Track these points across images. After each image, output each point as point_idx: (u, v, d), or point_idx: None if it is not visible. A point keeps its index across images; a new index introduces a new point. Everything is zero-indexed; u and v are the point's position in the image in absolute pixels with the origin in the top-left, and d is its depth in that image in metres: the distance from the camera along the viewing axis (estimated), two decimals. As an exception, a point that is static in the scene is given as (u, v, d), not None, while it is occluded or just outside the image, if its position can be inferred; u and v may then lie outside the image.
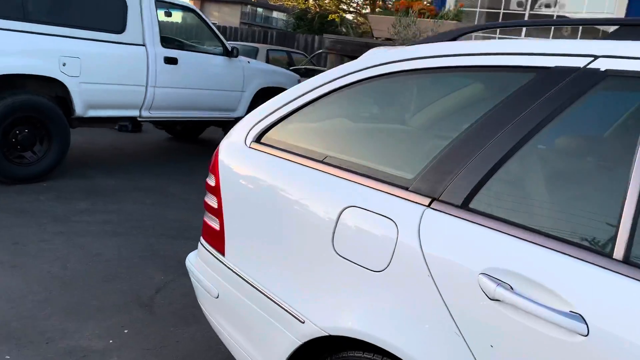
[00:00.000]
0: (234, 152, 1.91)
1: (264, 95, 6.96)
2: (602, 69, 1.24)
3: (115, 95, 5.23)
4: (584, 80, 1.25)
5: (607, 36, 1.36)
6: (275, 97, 1.92)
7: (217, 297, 1.90)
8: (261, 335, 1.71)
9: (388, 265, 1.38)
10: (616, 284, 1.04)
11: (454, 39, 1.65)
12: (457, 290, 1.24)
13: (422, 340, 1.29)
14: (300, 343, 1.56)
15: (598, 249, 1.10)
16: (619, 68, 1.21)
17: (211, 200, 1.95)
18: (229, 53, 6.36)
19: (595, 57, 1.27)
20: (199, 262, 2.03)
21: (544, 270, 1.13)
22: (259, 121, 1.89)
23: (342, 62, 9.47)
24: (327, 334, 1.48)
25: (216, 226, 1.91)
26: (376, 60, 1.68)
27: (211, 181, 1.95)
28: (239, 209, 1.82)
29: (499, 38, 6.54)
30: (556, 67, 1.31)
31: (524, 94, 1.32)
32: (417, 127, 1.66)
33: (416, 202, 1.38)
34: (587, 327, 1.04)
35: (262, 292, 1.69)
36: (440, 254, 1.29)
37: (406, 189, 1.42)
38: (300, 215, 1.60)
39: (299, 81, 7.62)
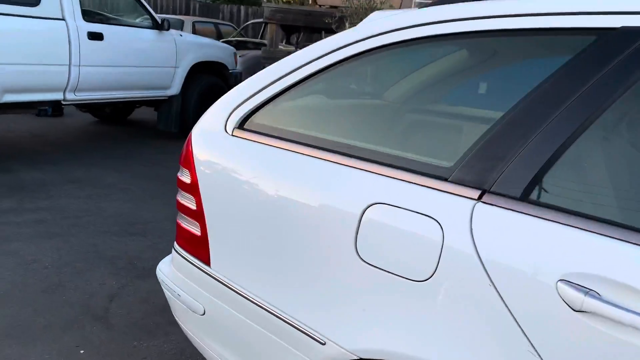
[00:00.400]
0: (212, 142, 1.60)
1: (199, 70, 6.50)
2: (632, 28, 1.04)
3: (35, 77, 4.65)
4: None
5: None
6: (258, 74, 1.62)
7: (203, 315, 1.61)
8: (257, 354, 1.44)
9: (434, 273, 1.14)
10: None
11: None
12: (530, 302, 1.03)
13: (486, 361, 1.07)
14: (312, 365, 1.31)
15: None
16: None
17: (187, 201, 1.63)
18: (159, 26, 5.84)
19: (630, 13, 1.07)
20: (175, 273, 1.72)
21: (638, 272, 0.93)
22: (241, 103, 1.58)
23: (286, 33, 9.07)
24: (356, 358, 1.24)
25: (196, 231, 1.61)
26: (384, 26, 1.41)
27: (185, 177, 1.64)
28: (226, 210, 1.52)
29: None
30: (624, 27, 1.10)
31: (586, 62, 1.11)
32: (446, 104, 1.42)
33: (462, 196, 1.14)
34: None
35: (266, 309, 1.42)
36: (503, 259, 1.06)
37: (445, 179, 1.18)
38: (310, 216, 1.34)
39: (235, 54, 7.20)
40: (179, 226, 1.70)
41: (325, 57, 1.47)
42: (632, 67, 1.05)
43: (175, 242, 1.73)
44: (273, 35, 5.72)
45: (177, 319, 1.77)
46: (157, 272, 1.82)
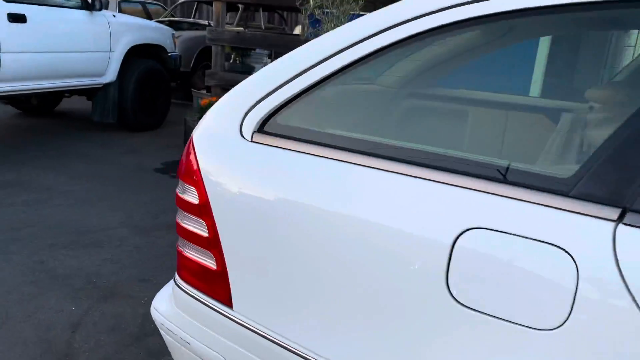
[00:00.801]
0: (225, 151, 1.26)
1: (135, 54, 5.94)
2: None
3: (-51, 67, 4.00)
4: None
5: None
6: (275, 63, 1.28)
7: (223, 365, 1.29)
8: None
9: (567, 319, 0.88)
10: None
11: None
12: None
13: None
14: None
15: None
16: None
17: (194, 225, 1.29)
18: (89, 6, 5.24)
19: None
20: (180, 315, 1.37)
21: None
22: (259, 101, 1.24)
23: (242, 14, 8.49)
24: None
25: (210, 263, 1.27)
26: (439, 3, 1.11)
27: (190, 196, 1.29)
28: (251, 237, 1.20)
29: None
30: None
31: None
32: (538, 95, 1.15)
33: (596, 216, 0.89)
34: None
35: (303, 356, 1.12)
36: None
37: (566, 194, 0.92)
38: (379, 246, 1.04)
39: (173, 36, 6.66)
40: (181, 256, 1.35)
41: (360, 44, 1.15)
42: None
43: (176, 275, 1.39)
44: (219, 14, 5.27)
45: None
46: (152, 313, 1.47)
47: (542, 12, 0.98)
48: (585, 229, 0.89)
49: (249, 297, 1.22)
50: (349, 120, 1.25)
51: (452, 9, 1.04)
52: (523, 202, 0.94)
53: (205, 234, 1.26)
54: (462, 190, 0.98)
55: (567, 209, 0.91)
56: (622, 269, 0.85)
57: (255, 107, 1.24)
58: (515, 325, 0.92)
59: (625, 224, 0.87)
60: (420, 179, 1.02)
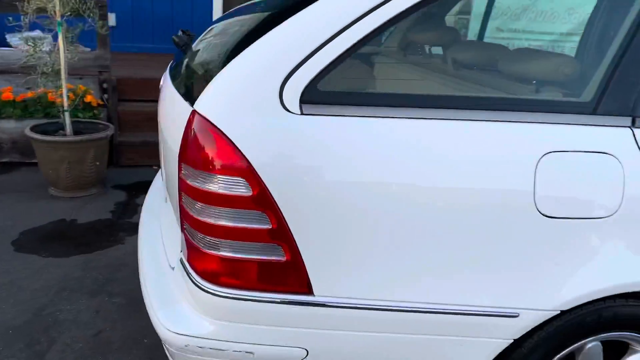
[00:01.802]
0: (275, 132, 1.11)
1: None
2: None
3: None
4: None
5: None
6: (302, 18, 1.16)
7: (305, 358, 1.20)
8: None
9: (621, 204, 1.20)
10: None
11: None
12: None
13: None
14: (511, 342, 1.22)
15: None
16: None
17: (246, 218, 1.12)
18: None
19: None
20: (231, 327, 1.19)
21: None
22: (299, 64, 1.12)
23: None
24: (557, 313, 1.21)
25: (277, 256, 1.14)
26: None
27: (243, 189, 1.10)
28: (325, 219, 1.13)
29: None
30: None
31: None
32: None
33: (617, 126, 1.21)
34: None
35: (424, 311, 1.18)
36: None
37: (590, 111, 1.21)
38: (467, 191, 1.15)
39: None
40: (220, 260, 1.16)
41: None
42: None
43: (214, 286, 1.18)
44: None
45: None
46: (175, 342, 1.21)
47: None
48: (618, 136, 1.20)
49: (330, 278, 1.16)
50: (402, 77, 1.26)
51: None
52: (573, 125, 1.19)
53: (268, 226, 1.12)
54: (524, 124, 1.16)
55: (596, 124, 1.20)
56: (646, 160, 1.19)
57: (296, 72, 1.12)
58: (586, 219, 1.18)
59: (637, 127, 1.21)
60: (489, 122, 1.15)
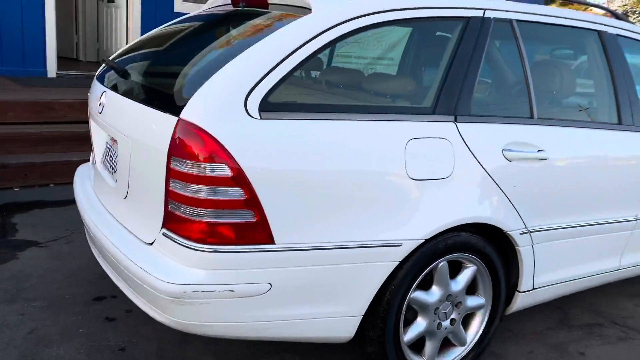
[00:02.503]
0: (245, 129, 1.61)
1: None
2: (489, 16, 2.15)
3: None
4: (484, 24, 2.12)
5: None
6: (261, 47, 1.68)
7: (268, 291, 1.71)
8: (342, 286, 1.81)
9: (454, 170, 1.93)
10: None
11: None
12: (490, 158, 2.00)
13: (483, 199, 2.00)
14: (397, 263, 1.87)
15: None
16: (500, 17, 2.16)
17: (227, 193, 1.60)
18: None
19: (486, 10, 2.15)
20: (217, 273, 1.64)
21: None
22: (255, 85, 1.64)
23: None
24: (423, 241, 1.89)
25: (248, 218, 1.64)
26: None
27: (220, 171, 1.58)
28: (284, 190, 1.66)
29: None
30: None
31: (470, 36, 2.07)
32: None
33: (445, 119, 1.94)
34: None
35: (349, 248, 1.77)
36: (474, 144, 1.97)
37: (430, 112, 1.93)
38: (371, 162, 1.78)
39: None
40: (210, 227, 1.61)
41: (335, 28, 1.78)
42: (488, 38, 2.09)
43: (197, 252, 1.62)
44: None
45: (224, 321, 1.69)
46: (180, 293, 1.61)
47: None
48: (447, 127, 1.93)
49: (286, 231, 1.69)
50: (318, 93, 1.82)
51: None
52: (423, 122, 1.89)
53: (244, 197, 1.62)
54: (397, 122, 1.84)
55: (436, 120, 1.92)
56: (467, 144, 1.95)
57: (255, 88, 1.64)
58: (437, 179, 1.89)
59: (459, 121, 1.96)
60: (380, 121, 1.80)
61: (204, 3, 6.93)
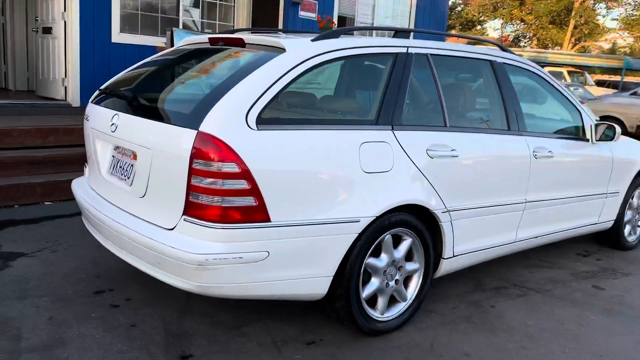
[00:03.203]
0: (247, 138, 2.20)
1: None
2: (411, 52, 2.89)
3: None
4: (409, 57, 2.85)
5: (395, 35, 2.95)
6: (254, 77, 2.29)
7: (267, 257, 2.29)
8: (318, 253, 2.42)
9: (393, 166, 2.62)
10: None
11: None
12: (418, 156, 2.72)
13: (414, 188, 2.70)
14: (356, 235, 2.51)
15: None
16: (417, 52, 2.91)
17: (236, 184, 2.18)
18: None
19: (409, 47, 2.89)
20: (229, 245, 2.20)
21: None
22: (252, 105, 2.25)
23: None
24: (374, 218, 2.54)
25: (251, 203, 2.22)
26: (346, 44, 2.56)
27: (229, 167, 2.16)
28: (277, 181, 2.26)
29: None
30: (401, 52, 2.83)
31: (396, 67, 2.78)
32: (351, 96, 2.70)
33: (385, 128, 2.64)
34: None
35: (323, 224, 2.39)
36: (406, 146, 2.68)
37: (374, 123, 2.62)
38: (336, 159, 2.42)
39: None
40: (223, 211, 2.18)
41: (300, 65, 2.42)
42: (411, 68, 2.82)
43: (215, 230, 2.18)
44: None
45: (237, 282, 2.24)
46: (204, 261, 2.15)
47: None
48: (387, 134, 2.63)
49: (279, 212, 2.28)
50: (297, 110, 2.42)
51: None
52: (370, 130, 2.57)
53: (248, 187, 2.20)
54: (353, 131, 2.50)
55: (380, 129, 2.61)
56: (402, 146, 2.65)
57: (252, 108, 2.25)
58: (382, 172, 2.57)
59: (396, 129, 2.66)
60: (341, 130, 2.46)
61: (139, 34, 7.35)
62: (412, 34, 3.59)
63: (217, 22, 8.55)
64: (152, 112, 2.50)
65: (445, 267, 3.02)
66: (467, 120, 3.21)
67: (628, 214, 4.45)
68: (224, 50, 2.87)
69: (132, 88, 2.84)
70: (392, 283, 2.77)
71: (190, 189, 2.23)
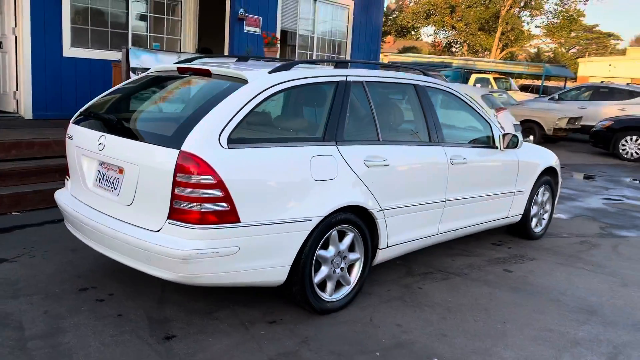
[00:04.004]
0: (221, 155, 2.73)
1: None
2: (350, 80, 3.51)
3: None
4: (347, 85, 3.47)
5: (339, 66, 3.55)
6: (224, 104, 2.83)
7: (238, 252, 2.82)
8: (278, 247, 2.98)
9: (337, 174, 3.22)
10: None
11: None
12: (357, 166, 3.34)
13: (354, 192, 3.31)
14: (309, 232, 3.08)
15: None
16: (356, 80, 3.53)
17: (212, 193, 2.71)
18: None
19: (347, 76, 3.50)
20: (208, 241, 2.72)
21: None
22: (223, 128, 2.78)
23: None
24: (324, 217, 3.13)
25: (224, 208, 2.75)
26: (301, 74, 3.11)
27: (206, 179, 2.68)
28: (245, 189, 2.80)
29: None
30: (341, 80, 3.44)
31: (338, 93, 3.39)
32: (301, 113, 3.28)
33: (330, 144, 3.24)
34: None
35: (282, 223, 2.95)
36: (347, 158, 3.29)
37: (321, 140, 3.22)
38: (292, 170, 3.00)
39: None
40: (200, 214, 2.70)
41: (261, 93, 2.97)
42: (350, 93, 3.44)
43: (196, 231, 2.70)
44: None
45: (214, 272, 2.76)
46: (187, 256, 2.66)
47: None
48: (332, 148, 3.23)
49: (247, 214, 2.82)
50: (267, 129, 2.96)
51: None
52: (318, 146, 3.16)
53: (222, 195, 2.74)
54: (305, 147, 3.09)
55: (325, 144, 3.21)
56: (342, 155, 3.26)
57: (224, 130, 2.78)
58: (327, 180, 3.16)
59: (339, 144, 3.27)
60: (295, 147, 3.04)
61: (90, 49, 7.64)
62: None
63: (165, 35, 8.92)
64: (137, 134, 2.99)
65: (381, 256, 3.65)
66: (396, 134, 3.86)
67: (534, 209, 5.26)
68: (192, 79, 3.38)
69: (114, 111, 3.30)
70: (338, 270, 3.36)
71: (174, 197, 2.74)
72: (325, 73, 3.41)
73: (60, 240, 4.31)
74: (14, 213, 5.00)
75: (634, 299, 3.99)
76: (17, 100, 7.37)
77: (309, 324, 3.22)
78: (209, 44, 10.41)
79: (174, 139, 2.78)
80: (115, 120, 3.11)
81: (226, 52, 8.81)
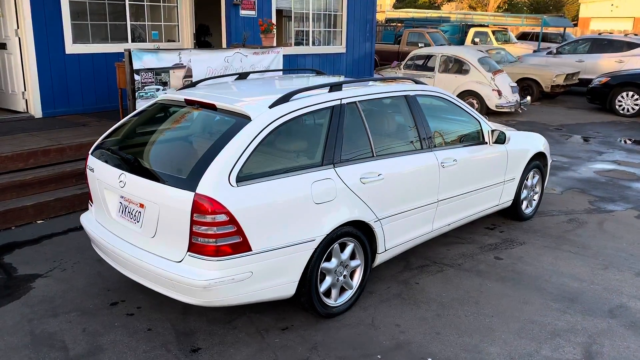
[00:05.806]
0: (231, 194, 3.06)
1: None
2: (344, 102, 3.78)
3: None
4: (343, 107, 3.74)
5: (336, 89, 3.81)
6: (231, 145, 3.14)
7: (251, 276, 3.19)
8: (286, 267, 3.35)
9: (336, 195, 3.54)
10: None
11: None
12: (354, 184, 3.66)
13: (351, 205, 3.65)
14: (313, 250, 3.44)
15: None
16: (349, 101, 3.80)
17: (226, 229, 3.05)
18: None
19: (341, 99, 3.77)
20: (224, 271, 3.08)
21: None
22: (232, 168, 3.10)
23: None
24: (325, 236, 3.48)
25: (237, 240, 3.10)
26: (302, 103, 3.38)
27: (220, 218, 3.02)
28: (254, 221, 3.14)
29: None
30: (337, 104, 3.71)
31: (336, 114, 3.67)
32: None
33: (328, 167, 3.55)
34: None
35: (288, 246, 3.31)
36: (345, 178, 3.62)
37: (320, 165, 3.53)
38: (295, 198, 3.32)
39: None
40: (218, 248, 3.05)
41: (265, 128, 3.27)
42: (345, 115, 3.73)
43: (214, 262, 3.05)
44: None
45: (232, 296, 3.14)
46: (207, 285, 3.03)
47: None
48: (330, 171, 3.54)
49: (258, 242, 3.17)
50: (269, 164, 3.28)
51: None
52: (318, 171, 3.48)
53: (234, 229, 3.08)
54: (306, 174, 3.40)
55: (324, 168, 3.52)
56: (342, 178, 3.58)
57: (232, 170, 3.10)
58: (328, 202, 3.49)
59: (336, 166, 3.58)
60: (297, 176, 3.36)
61: (91, 43, 7.81)
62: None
63: (162, 23, 9.05)
64: (155, 174, 3.31)
65: (380, 259, 4.02)
66: (389, 146, 4.15)
67: (524, 192, 5.59)
68: (199, 112, 3.68)
69: (130, 146, 3.63)
70: (341, 278, 3.74)
71: (192, 234, 3.08)
72: (321, 100, 3.69)
73: (86, 249, 4.70)
74: (39, 222, 5.37)
75: (612, 282, 4.38)
76: (27, 100, 7.63)
77: (317, 328, 3.63)
78: (207, 22, 10.50)
79: (189, 182, 3.10)
80: (133, 159, 3.42)
81: (224, 39, 8.95)
